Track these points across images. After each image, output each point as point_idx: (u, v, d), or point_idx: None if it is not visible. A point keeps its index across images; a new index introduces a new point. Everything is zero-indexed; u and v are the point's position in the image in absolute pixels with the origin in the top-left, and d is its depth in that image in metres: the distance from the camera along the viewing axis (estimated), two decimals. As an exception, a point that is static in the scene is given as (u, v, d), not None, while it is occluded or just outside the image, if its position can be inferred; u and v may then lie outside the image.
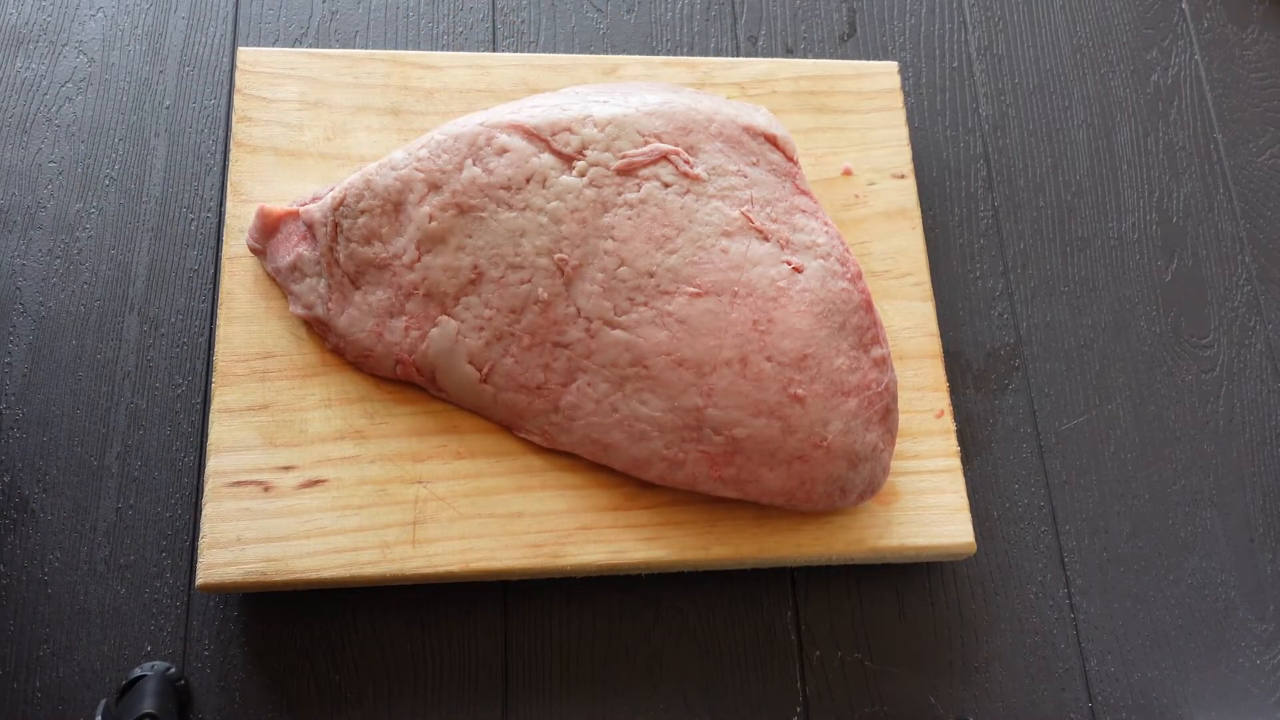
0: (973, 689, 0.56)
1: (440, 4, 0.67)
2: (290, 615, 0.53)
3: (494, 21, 0.67)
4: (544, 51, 0.67)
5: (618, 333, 0.50)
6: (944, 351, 0.59)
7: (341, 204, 0.52)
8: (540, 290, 0.51)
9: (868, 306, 0.52)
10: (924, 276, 0.59)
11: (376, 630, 0.53)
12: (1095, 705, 0.56)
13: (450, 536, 0.51)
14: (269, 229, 0.54)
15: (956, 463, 0.55)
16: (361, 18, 0.66)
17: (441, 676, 0.53)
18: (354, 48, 0.65)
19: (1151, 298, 0.66)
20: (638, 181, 0.51)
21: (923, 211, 0.64)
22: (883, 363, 0.52)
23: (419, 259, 0.52)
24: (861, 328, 0.51)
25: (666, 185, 0.51)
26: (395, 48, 0.65)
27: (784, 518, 0.53)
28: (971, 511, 0.56)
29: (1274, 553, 0.61)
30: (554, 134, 0.51)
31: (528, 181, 0.51)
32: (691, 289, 0.50)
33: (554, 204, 0.51)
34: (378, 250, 0.52)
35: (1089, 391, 0.63)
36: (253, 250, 0.55)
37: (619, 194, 0.51)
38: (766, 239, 0.51)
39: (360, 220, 0.52)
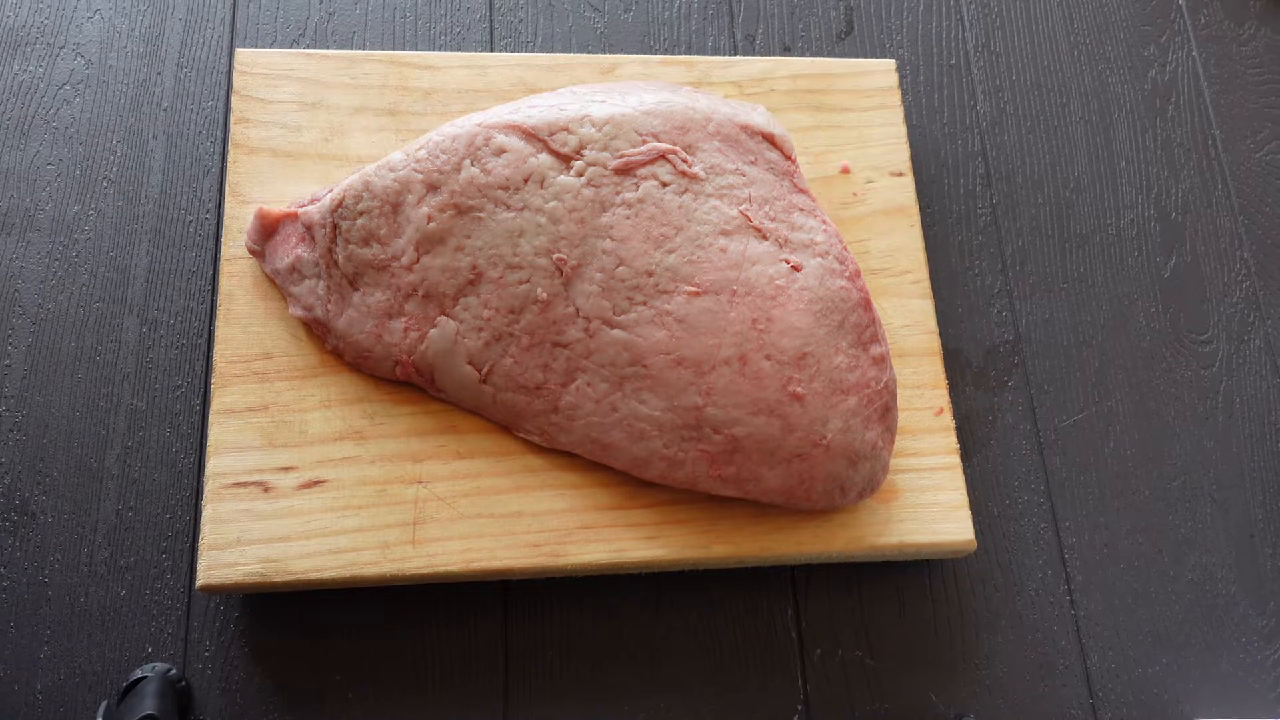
0: (973, 686, 0.56)
1: (438, 4, 0.67)
2: (290, 616, 0.53)
3: (491, 22, 0.67)
4: (542, 51, 0.67)
5: (616, 332, 0.50)
6: (943, 349, 0.59)
7: (340, 205, 0.52)
8: (539, 290, 0.50)
9: (866, 305, 0.52)
10: (922, 274, 0.59)
11: (377, 630, 0.53)
12: (1096, 701, 0.56)
13: (450, 536, 0.51)
14: (267, 231, 0.54)
15: (956, 460, 0.55)
16: (359, 18, 0.66)
17: (441, 676, 0.53)
18: (351, 48, 0.65)
19: (1150, 294, 0.66)
20: (636, 181, 0.51)
21: (921, 209, 0.64)
22: (881, 361, 0.52)
23: (417, 260, 0.52)
24: (860, 326, 0.51)
25: (664, 184, 0.51)
26: (393, 48, 0.65)
27: (784, 516, 0.53)
28: (971, 509, 0.56)
29: (1274, 548, 0.61)
30: (552, 134, 0.51)
31: (526, 181, 0.51)
32: (690, 288, 0.50)
33: (552, 204, 0.51)
34: (376, 252, 0.52)
35: (1088, 388, 0.63)
36: (251, 252, 0.54)
37: (617, 193, 0.51)
38: (765, 238, 0.51)
39: (359, 222, 0.52)
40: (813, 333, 0.50)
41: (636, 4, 0.69)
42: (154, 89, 0.63)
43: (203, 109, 0.63)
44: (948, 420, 0.56)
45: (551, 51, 0.67)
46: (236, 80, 0.58)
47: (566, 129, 0.51)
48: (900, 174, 0.61)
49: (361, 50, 0.63)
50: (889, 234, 0.59)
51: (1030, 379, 0.63)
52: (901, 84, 0.67)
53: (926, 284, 0.59)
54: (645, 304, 0.50)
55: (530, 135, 0.51)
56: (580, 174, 0.51)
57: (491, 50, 0.66)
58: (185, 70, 0.64)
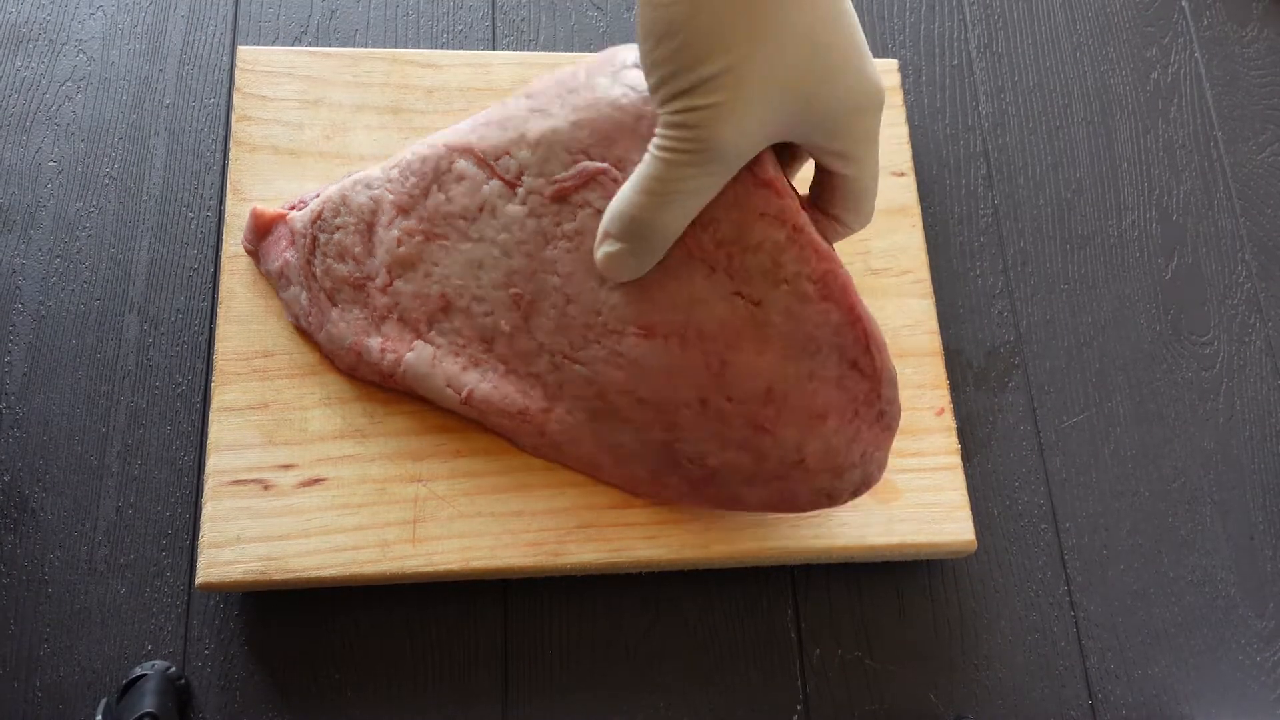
0: (973, 686, 0.56)
1: (440, 2, 0.67)
2: (290, 614, 0.53)
3: (494, 20, 0.67)
4: (544, 50, 0.67)
5: (579, 368, 0.47)
6: (944, 349, 0.59)
7: (319, 218, 0.52)
8: (503, 323, 0.48)
9: (852, 321, 0.44)
10: (924, 274, 0.59)
11: (377, 629, 0.53)
12: (1095, 703, 0.56)
13: (450, 535, 0.51)
14: (261, 231, 0.54)
15: (957, 460, 0.55)
16: (361, 16, 0.66)
17: (441, 675, 0.53)
18: (353, 46, 0.65)
19: (1151, 295, 0.66)
20: (573, 209, 0.45)
21: (922, 209, 0.64)
22: (873, 370, 0.45)
23: (390, 283, 0.50)
24: (844, 345, 0.44)
25: (599, 212, 0.44)
26: (395, 46, 0.65)
27: (784, 517, 0.53)
28: (972, 509, 0.56)
29: (1274, 549, 0.61)
30: (496, 159, 0.47)
31: (480, 211, 0.48)
32: (636, 330, 0.45)
33: (503, 236, 0.47)
34: (352, 269, 0.51)
35: (1089, 389, 0.63)
36: (247, 251, 0.54)
37: (557, 224, 0.46)
38: (713, 269, 0.43)
39: (335, 236, 0.51)
40: (778, 371, 0.45)
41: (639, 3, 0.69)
42: (156, 86, 0.63)
43: (204, 106, 0.63)
44: (948, 421, 0.56)
45: (554, 50, 0.67)
46: (238, 77, 0.57)
47: (507, 152, 0.47)
48: (902, 174, 0.61)
49: (363, 48, 0.63)
50: (891, 234, 0.59)
51: (1031, 380, 0.63)
52: (904, 84, 0.67)
53: (928, 284, 0.59)
54: (598, 343, 0.46)
55: (481, 161, 0.48)
56: (524, 203, 0.47)
57: (494, 49, 0.66)
58: (187, 67, 0.64)
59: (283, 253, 0.53)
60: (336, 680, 0.52)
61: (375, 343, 0.51)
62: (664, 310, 0.45)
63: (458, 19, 0.67)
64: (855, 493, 0.49)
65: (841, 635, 0.56)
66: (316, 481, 0.51)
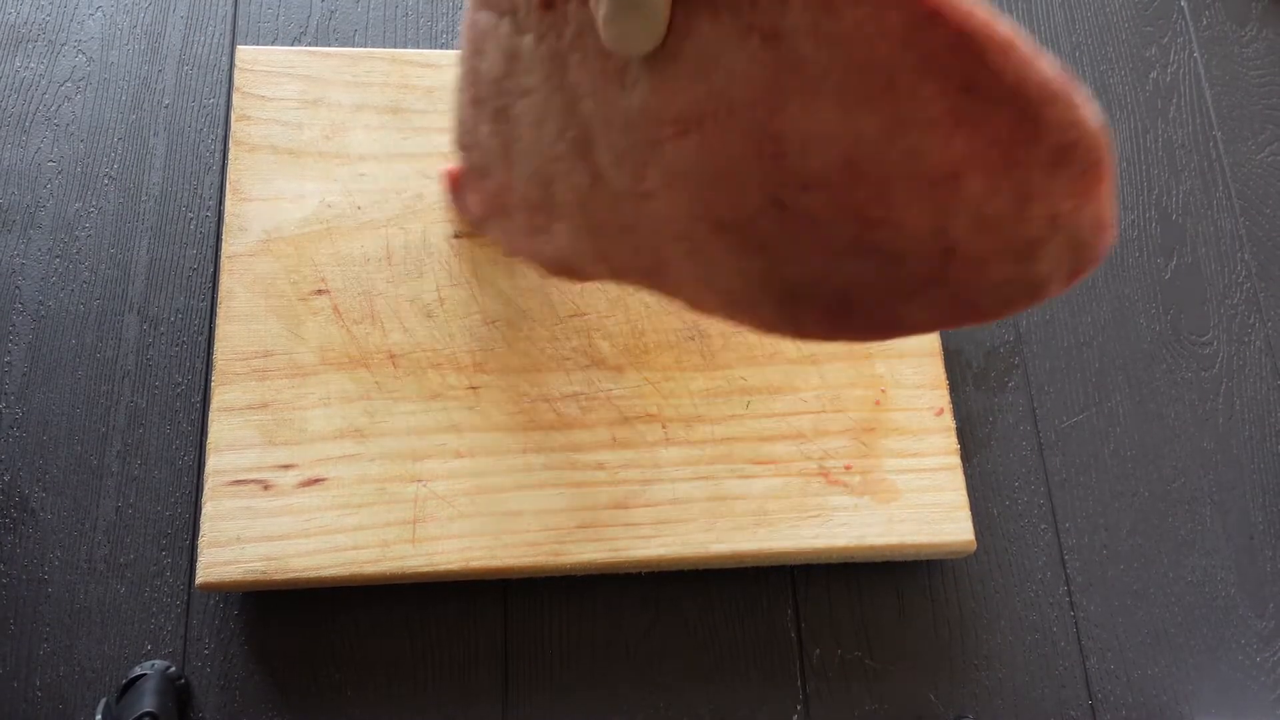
0: (972, 687, 0.56)
1: (439, 2, 0.67)
2: (290, 614, 0.53)
3: (493, 20, 0.67)
4: (543, 50, 0.67)
5: (652, 204, 0.37)
6: (944, 349, 0.59)
7: (460, 146, 0.49)
8: (581, 176, 0.40)
9: (928, 15, 0.27)
10: (924, 274, 0.59)
11: (377, 629, 0.53)
12: (1095, 703, 0.56)
13: (450, 535, 0.51)
14: (456, 185, 0.52)
15: (956, 460, 0.55)
16: (360, 16, 0.66)
17: (441, 675, 0.53)
18: (353, 46, 0.65)
19: (1151, 295, 0.66)
20: (563, 11, 0.36)
21: (922, 209, 0.64)
22: (1006, 88, 0.27)
23: (510, 181, 0.45)
24: (934, 61, 0.28)
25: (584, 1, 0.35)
26: (394, 46, 0.65)
27: (784, 516, 0.53)
28: (971, 509, 0.56)
29: (1274, 549, 0.61)
30: None
31: (511, 62, 0.40)
32: (670, 130, 0.34)
33: (534, 79, 0.39)
34: (492, 180, 0.48)
35: (1089, 389, 0.63)
36: (458, 208, 0.53)
37: (560, 37, 0.37)
38: (716, 11, 0.31)
39: (473, 157, 0.49)
40: (846, 128, 0.30)
41: (638, 3, 0.69)
42: (155, 86, 0.63)
43: (204, 106, 0.63)
44: (948, 421, 0.56)
45: (553, 50, 0.67)
46: (238, 77, 0.57)
47: None
48: (902, 174, 0.60)
49: (363, 48, 0.63)
50: (890, 234, 0.59)
51: (1031, 380, 0.63)
52: (903, 84, 0.67)
53: (927, 284, 0.59)
54: (649, 166, 0.36)
55: (487, 4, 0.41)
56: (528, 31, 0.39)
57: (493, 49, 0.66)
58: (186, 67, 0.64)
59: (475, 193, 0.50)
60: (336, 680, 0.52)
61: (540, 238, 0.45)
62: (684, 88, 0.33)
63: (457, 19, 0.67)
64: (1072, 273, 0.31)
65: (841, 635, 0.56)
66: (316, 481, 0.51)
